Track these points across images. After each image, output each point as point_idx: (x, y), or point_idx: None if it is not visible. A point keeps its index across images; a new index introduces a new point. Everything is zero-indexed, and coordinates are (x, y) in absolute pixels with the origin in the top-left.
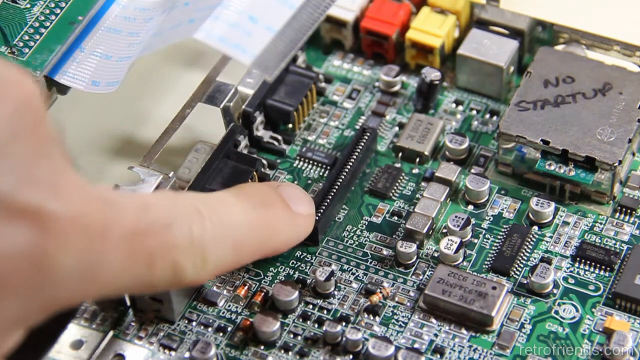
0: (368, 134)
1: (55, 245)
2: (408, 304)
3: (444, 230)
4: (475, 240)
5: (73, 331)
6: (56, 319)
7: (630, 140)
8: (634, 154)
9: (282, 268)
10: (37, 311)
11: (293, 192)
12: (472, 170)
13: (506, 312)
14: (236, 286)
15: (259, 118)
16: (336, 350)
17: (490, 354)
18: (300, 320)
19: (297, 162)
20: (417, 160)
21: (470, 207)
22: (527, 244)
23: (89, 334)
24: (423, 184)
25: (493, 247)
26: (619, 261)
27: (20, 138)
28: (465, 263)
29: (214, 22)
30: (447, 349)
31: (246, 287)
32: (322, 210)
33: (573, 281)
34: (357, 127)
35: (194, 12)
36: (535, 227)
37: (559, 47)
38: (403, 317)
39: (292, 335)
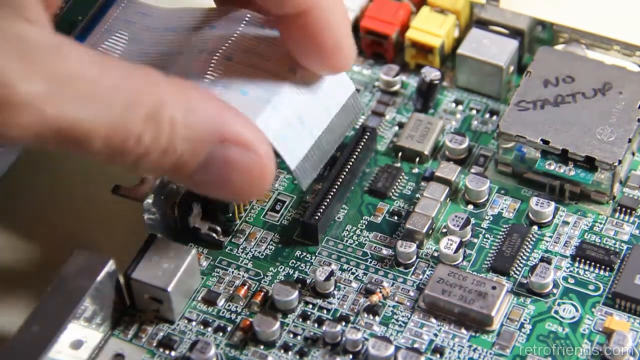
0: (368, 133)
1: None
2: (408, 303)
3: (444, 230)
4: (475, 240)
5: (73, 331)
6: None
7: (630, 140)
8: (634, 154)
9: (281, 268)
10: None
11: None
12: (472, 170)
13: (506, 312)
14: (236, 286)
15: None
16: (336, 350)
17: (490, 353)
18: (300, 320)
19: None
20: (417, 159)
21: (470, 207)
22: (527, 243)
23: (89, 334)
24: (423, 183)
25: (493, 247)
26: (619, 261)
27: None
28: (465, 263)
29: (272, 112)
30: (447, 349)
31: (246, 287)
32: (322, 210)
33: (573, 281)
34: (357, 126)
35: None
36: (535, 227)
37: (559, 47)
38: (403, 317)
39: (292, 335)
